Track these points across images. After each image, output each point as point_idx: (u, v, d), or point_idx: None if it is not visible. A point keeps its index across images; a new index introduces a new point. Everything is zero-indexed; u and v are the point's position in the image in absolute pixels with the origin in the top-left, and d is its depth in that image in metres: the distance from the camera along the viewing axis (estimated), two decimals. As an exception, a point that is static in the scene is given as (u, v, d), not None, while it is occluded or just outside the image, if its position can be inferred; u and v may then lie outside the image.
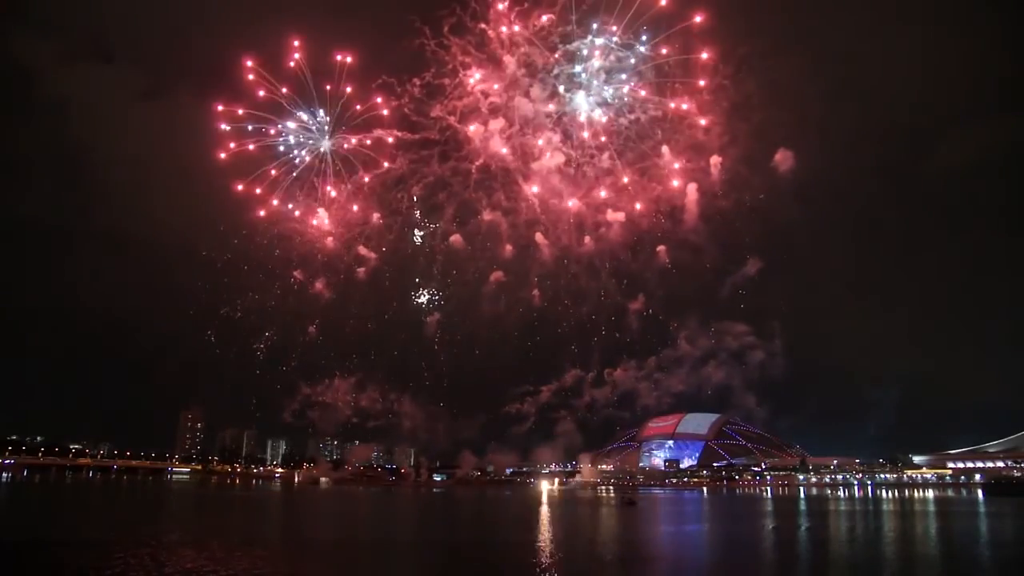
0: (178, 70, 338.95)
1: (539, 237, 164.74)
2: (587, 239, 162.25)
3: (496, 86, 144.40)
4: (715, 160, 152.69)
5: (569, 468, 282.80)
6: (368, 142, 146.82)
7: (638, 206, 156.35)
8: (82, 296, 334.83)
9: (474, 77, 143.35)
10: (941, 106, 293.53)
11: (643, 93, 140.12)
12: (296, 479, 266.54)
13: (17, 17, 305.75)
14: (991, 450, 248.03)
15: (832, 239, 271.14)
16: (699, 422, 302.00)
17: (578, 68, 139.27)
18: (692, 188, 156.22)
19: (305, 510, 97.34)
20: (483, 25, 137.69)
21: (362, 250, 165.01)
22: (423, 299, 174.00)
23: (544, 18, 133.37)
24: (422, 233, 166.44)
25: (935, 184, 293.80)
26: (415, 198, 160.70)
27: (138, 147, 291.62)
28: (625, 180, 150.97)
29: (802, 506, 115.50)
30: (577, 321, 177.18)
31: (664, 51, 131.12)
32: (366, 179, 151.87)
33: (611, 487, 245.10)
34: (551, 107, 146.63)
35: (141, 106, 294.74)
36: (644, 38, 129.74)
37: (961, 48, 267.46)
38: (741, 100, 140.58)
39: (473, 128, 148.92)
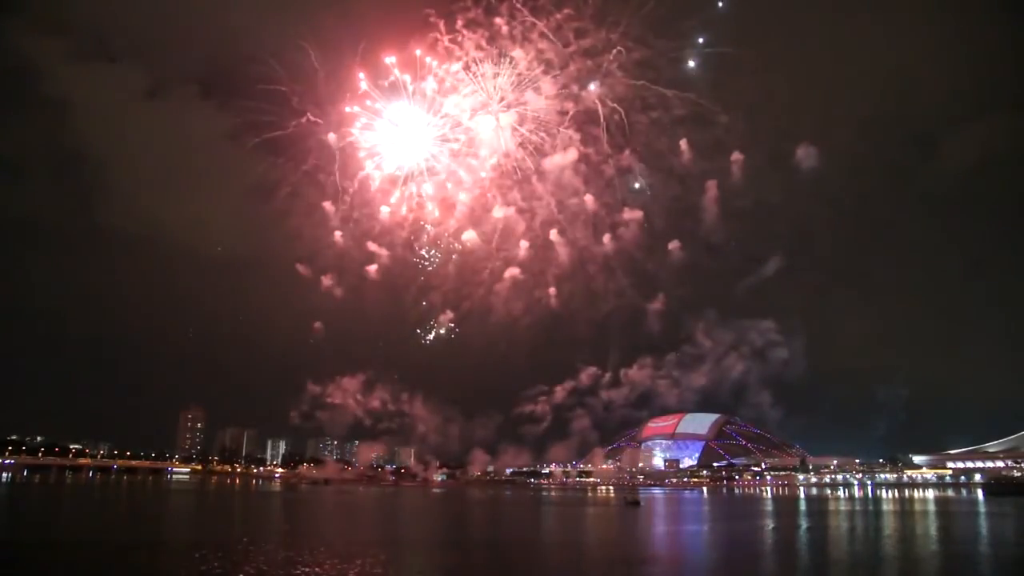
0: (180, 70, 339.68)
1: (555, 235, 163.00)
2: (606, 238, 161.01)
3: (509, 80, 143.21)
4: (736, 157, 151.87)
5: (570, 468, 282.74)
6: (377, 137, 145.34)
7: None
8: (82, 296, 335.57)
9: (487, 72, 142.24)
10: (944, 105, 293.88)
11: (661, 89, 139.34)
12: (300, 480, 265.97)
13: (21, 15, 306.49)
14: (991, 450, 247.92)
15: (836, 238, 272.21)
16: (699, 422, 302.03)
17: (591, 64, 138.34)
18: (712, 185, 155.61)
19: (307, 511, 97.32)
20: (498, 19, 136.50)
21: (372, 246, 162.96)
22: (436, 298, 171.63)
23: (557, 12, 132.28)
24: (435, 230, 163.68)
25: (935, 183, 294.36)
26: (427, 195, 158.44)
27: (139, 146, 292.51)
28: (642, 178, 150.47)
29: (802, 506, 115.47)
30: (594, 320, 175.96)
31: (683, 49, 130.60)
32: (376, 174, 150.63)
33: (611, 487, 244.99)
34: (567, 103, 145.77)
35: (143, 105, 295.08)
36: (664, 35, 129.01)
37: (965, 46, 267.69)
38: (763, 97, 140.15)
39: (485, 124, 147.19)
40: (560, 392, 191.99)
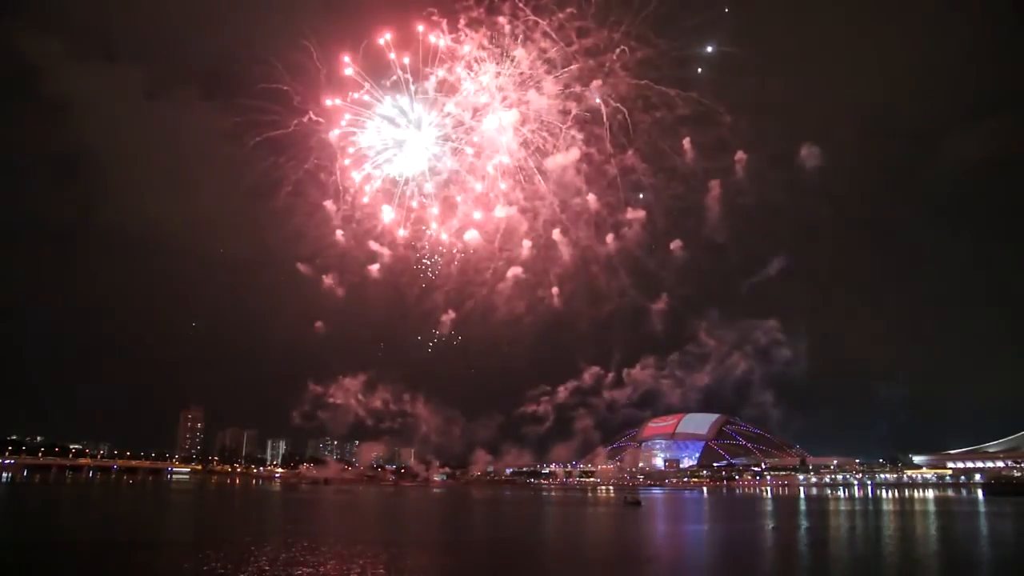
0: (181, 69, 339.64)
1: (557, 235, 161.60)
2: (608, 237, 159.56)
3: (511, 80, 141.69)
4: (740, 156, 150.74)
5: (570, 468, 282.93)
6: (379, 136, 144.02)
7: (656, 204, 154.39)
8: (82, 296, 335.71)
9: (489, 72, 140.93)
10: (947, 105, 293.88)
11: (664, 88, 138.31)
12: (300, 480, 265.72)
13: (21, 14, 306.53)
14: (991, 450, 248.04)
15: (839, 238, 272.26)
16: (699, 422, 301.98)
17: (594, 63, 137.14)
18: (715, 185, 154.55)
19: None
20: (500, 18, 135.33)
21: (374, 246, 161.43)
22: (438, 297, 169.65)
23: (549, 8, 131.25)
24: (437, 230, 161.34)
25: (936, 183, 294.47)
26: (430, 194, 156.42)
27: (140, 146, 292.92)
28: (644, 178, 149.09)
29: (802, 506, 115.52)
30: (597, 320, 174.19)
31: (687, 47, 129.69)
32: (378, 173, 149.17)
33: (611, 487, 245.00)
34: (569, 102, 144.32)
35: (143, 105, 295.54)
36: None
37: (969, 46, 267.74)
38: (767, 97, 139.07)
39: (488, 123, 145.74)
40: (563, 392, 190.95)
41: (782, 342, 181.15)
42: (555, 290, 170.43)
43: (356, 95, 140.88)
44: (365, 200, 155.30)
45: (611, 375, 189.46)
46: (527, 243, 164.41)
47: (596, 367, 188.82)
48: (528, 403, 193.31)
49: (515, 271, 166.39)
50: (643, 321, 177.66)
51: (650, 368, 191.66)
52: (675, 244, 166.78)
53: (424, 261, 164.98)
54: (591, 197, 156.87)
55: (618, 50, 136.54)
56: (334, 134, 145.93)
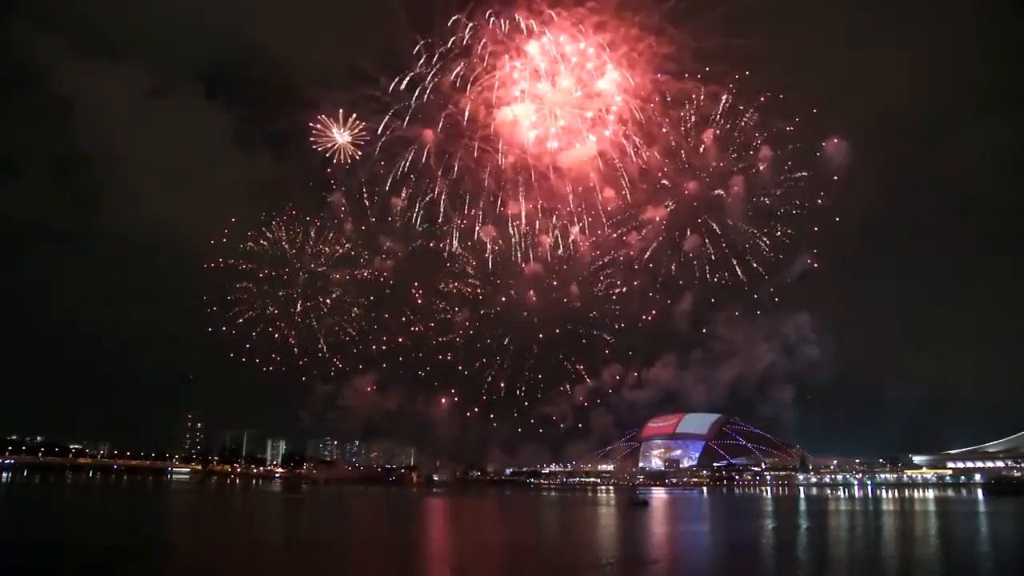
0: (185, 68, 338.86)
1: (576, 233, 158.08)
2: (628, 235, 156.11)
3: (527, 74, 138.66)
4: (763, 153, 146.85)
5: (570, 467, 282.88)
6: (391, 131, 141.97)
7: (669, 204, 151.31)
8: (83, 296, 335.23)
9: (505, 66, 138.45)
10: (963, 102, 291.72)
11: (685, 84, 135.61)
12: (300, 480, 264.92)
13: (23, 12, 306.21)
14: (991, 450, 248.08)
15: (854, 237, 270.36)
16: (699, 422, 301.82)
17: (612, 58, 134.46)
18: (737, 181, 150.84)
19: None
20: (517, 13, 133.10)
21: (386, 243, 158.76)
22: (453, 296, 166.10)
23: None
24: (451, 227, 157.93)
25: (936, 181, 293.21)
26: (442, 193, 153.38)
27: (143, 146, 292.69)
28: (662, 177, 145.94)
29: (802, 506, 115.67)
30: (616, 319, 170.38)
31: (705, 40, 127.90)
32: (389, 170, 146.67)
33: (611, 487, 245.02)
34: (587, 98, 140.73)
35: (146, 104, 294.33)
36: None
37: (989, 41, 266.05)
38: (790, 92, 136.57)
39: (502, 118, 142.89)
40: (580, 392, 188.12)
41: (811, 340, 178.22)
42: (574, 289, 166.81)
43: (365, 90, 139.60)
44: (375, 197, 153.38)
45: (631, 374, 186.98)
46: (546, 241, 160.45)
47: (615, 365, 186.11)
48: (544, 403, 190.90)
49: (533, 268, 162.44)
50: (664, 320, 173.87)
51: (670, 367, 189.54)
52: (696, 242, 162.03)
53: (440, 253, 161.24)
54: (610, 194, 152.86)
55: (638, 44, 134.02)
56: (341, 131, 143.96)
